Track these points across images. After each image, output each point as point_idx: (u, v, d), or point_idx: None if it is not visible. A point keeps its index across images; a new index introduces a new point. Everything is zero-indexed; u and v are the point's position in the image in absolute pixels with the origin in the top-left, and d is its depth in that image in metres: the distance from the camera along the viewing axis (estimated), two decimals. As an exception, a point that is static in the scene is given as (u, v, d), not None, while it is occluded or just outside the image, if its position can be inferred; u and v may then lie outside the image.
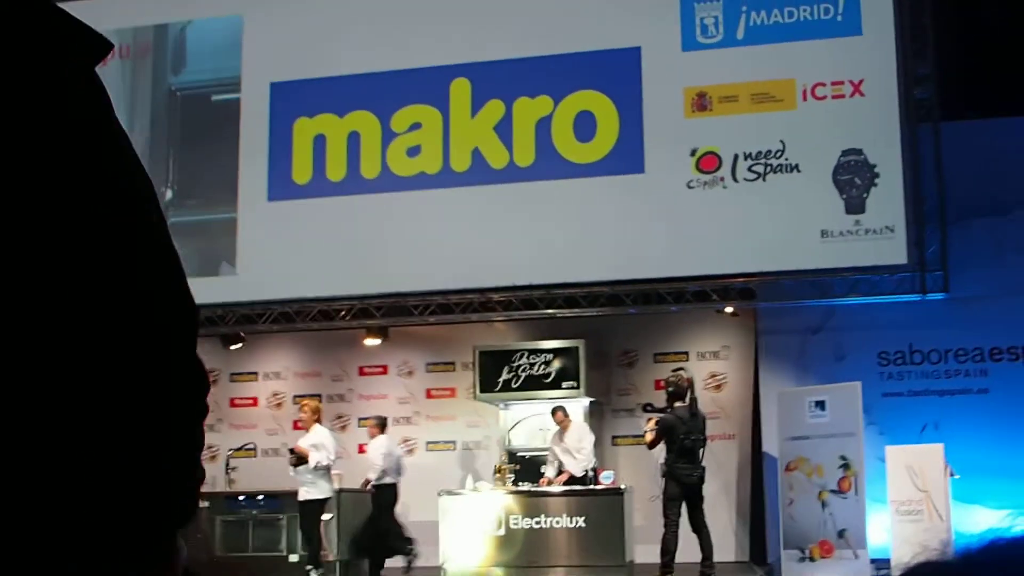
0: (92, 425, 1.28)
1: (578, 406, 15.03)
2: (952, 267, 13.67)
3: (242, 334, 16.03)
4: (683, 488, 12.51)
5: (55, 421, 1.25)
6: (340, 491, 14.16)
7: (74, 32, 1.39)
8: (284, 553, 13.93)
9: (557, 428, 14.52)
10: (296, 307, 15.14)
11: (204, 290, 13.87)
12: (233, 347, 16.39)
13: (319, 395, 16.28)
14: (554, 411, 14.54)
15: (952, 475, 12.68)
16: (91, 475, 1.28)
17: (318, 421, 13.93)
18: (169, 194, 15.37)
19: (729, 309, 15.05)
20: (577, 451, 14.23)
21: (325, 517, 13.79)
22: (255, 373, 17.25)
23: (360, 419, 16.58)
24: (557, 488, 14.04)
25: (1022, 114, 14.39)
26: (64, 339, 1.25)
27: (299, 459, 13.49)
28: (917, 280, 13.73)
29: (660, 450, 12.90)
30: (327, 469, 13.60)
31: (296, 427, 14.03)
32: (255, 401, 17.12)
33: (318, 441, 13.57)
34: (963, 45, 14.17)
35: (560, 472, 14.29)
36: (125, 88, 15.61)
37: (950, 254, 13.70)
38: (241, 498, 14.57)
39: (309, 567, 13.47)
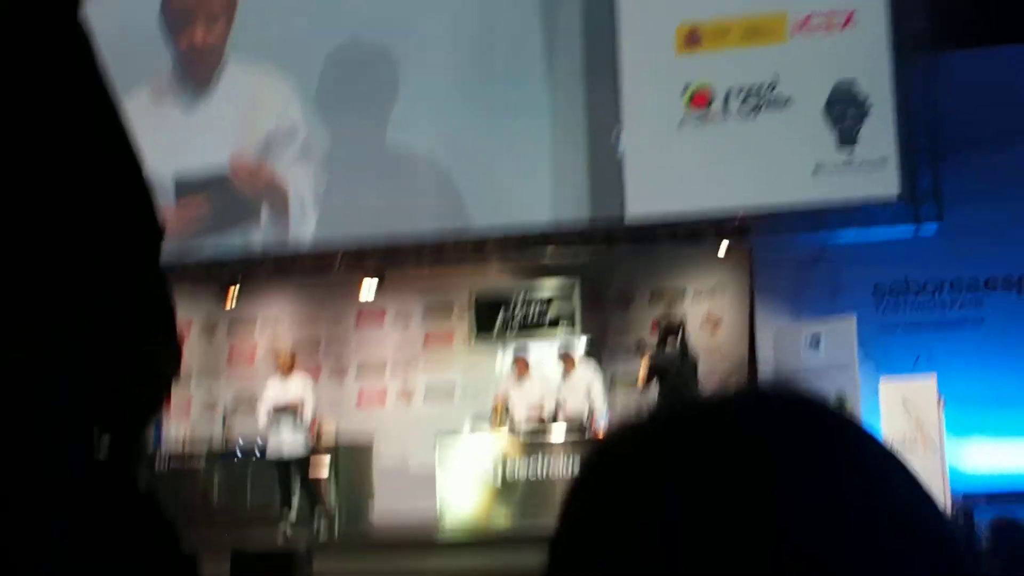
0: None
1: (575, 347, 15.01)
2: (947, 199, 13.63)
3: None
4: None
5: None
6: (337, 444, 14.20)
7: None
8: (280, 507, 13.96)
9: (562, 371, 14.48)
10: (291, 254, 15.22)
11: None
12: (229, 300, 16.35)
13: (317, 341, 16.35)
14: (562, 354, 14.45)
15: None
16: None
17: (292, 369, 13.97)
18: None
19: (723, 246, 15.00)
20: (584, 394, 14.17)
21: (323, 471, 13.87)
22: (253, 319, 17.24)
23: (359, 365, 16.65)
24: (555, 432, 14.01)
25: (1019, 42, 14.24)
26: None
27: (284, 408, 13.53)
28: (910, 212, 13.67)
29: (655, 390, 12.92)
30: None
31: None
32: (253, 351, 17.12)
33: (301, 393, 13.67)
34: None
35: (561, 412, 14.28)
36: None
37: (945, 186, 13.65)
38: (238, 449, 14.62)
39: (316, 519, 13.52)
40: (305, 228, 15.16)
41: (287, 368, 13.77)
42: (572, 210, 14.48)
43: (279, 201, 15.23)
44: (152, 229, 1.50)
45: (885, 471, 0.74)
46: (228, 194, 15.28)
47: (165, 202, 14.29)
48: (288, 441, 13.51)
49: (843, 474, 0.72)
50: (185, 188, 15.08)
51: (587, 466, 0.79)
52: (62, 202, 1.33)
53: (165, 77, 15.67)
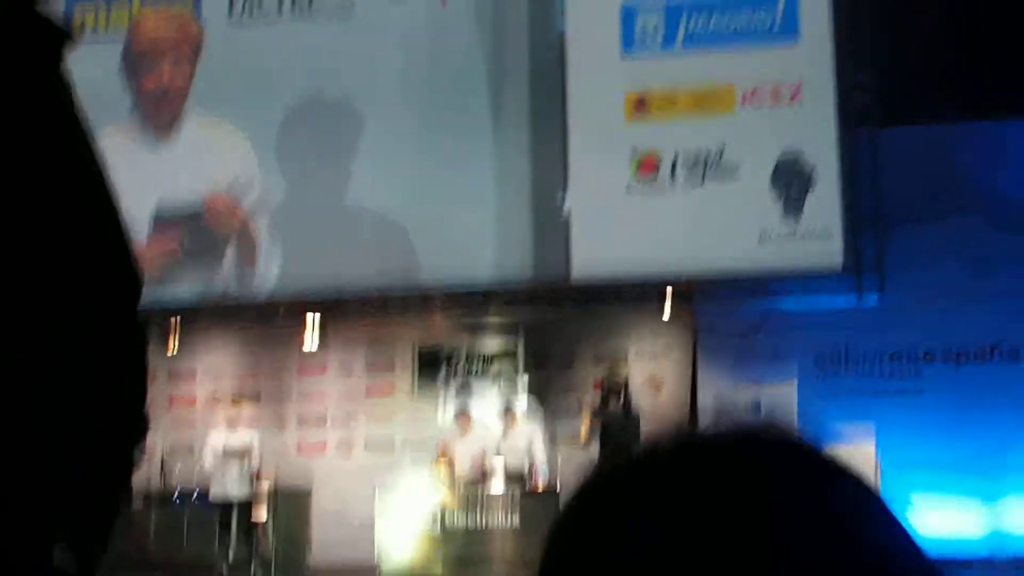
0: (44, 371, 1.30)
1: (518, 405, 15.02)
2: (889, 271, 13.80)
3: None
4: (617, 486, 12.48)
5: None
6: (276, 491, 14.11)
7: (36, 26, 1.41)
8: (218, 552, 13.81)
9: (502, 427, 14.49)
10: (234, 305, 15.14)
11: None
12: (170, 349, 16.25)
13: (257, 394, 16.22)
14: (504, 410, 14.47)
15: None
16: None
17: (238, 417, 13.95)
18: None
19: (667, 311, 15.09)
20: (525, 450, 14.19)
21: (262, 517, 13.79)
22: (193, 371, 17.11)
23: (299, 416, 16.60)
24: (495, 486, 14.02)
25: (961, 120, 14.53)
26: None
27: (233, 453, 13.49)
28: (852, 283, 13.84)
29: (596, 449, 12.92)
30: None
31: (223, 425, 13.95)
32: (193, 400, 16.96)
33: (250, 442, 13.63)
34: (903, 51, 14.30)
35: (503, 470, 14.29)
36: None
37: (887, 258, 13.82)
38: (176, 496, 14.49)
39: (253, 566, 13.42)
40: (268, 276, 15.10)
41: (234, 417, 13.77)
42: (516, 268, 14.55)
43: (247, 246, 15.17)
44: (131, 279, 1.50)
45: (871, 500, 0.75)
46: (196, 234, 15.19)
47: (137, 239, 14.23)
48: (234, 486, 13.45)
49: (836, 497, 0.73)
50: (159, 224, 15.03)
51: (572, 498, 0.81)
52: (50, 221, 1.33)
53: (126, 122, 15.57)
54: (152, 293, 14.35)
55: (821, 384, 14.65)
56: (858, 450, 12.95)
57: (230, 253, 15.17)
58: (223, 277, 15.18)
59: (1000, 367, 14.40)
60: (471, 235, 14.64)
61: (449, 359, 15.48)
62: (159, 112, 15.67)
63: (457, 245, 14.64)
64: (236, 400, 14.21)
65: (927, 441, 13.56)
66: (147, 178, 14.59)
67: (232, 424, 13.76)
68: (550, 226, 14.53)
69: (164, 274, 14.86)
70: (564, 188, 14.53)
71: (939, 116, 14.47)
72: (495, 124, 14.90)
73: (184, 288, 15.13)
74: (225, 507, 13.54)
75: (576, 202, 14.43)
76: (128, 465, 1.54)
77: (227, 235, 15.20)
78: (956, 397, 14.17)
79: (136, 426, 1.50)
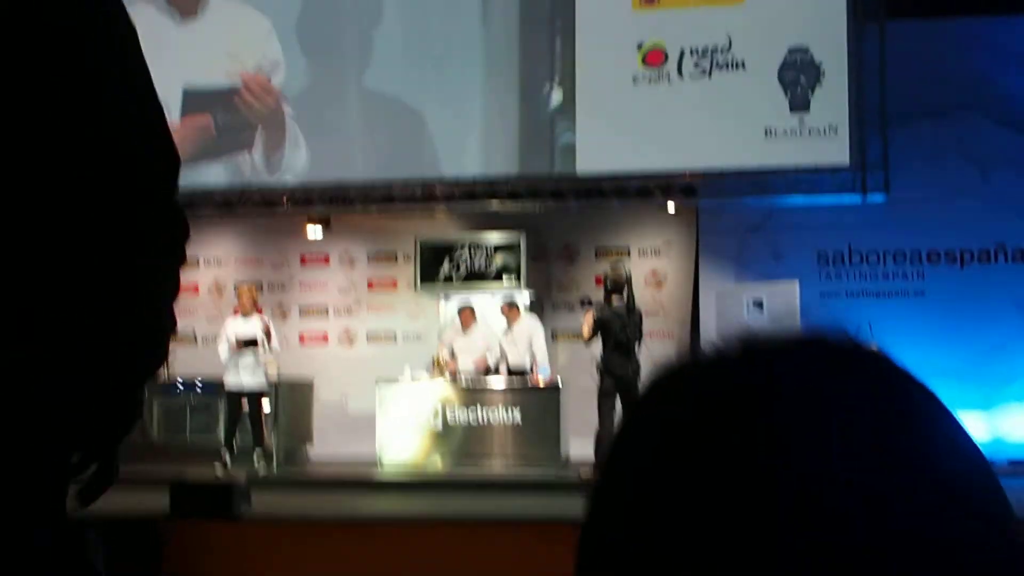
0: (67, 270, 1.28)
1: (518, 300, 15.04)
2: (893, 169, 13.72)
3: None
4: (617, 383, 12.57)
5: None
6: (279, 381, 14.17)
7: None
8: (221, 438, 13.92)
9: (505, 321, 14.53)
10: (238, 194, 15.06)
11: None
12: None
13: (260, 282, 16.21)
14: (506, 304, 14.50)
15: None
16: (63, 319, 1.28)
17: (257, 309, 13.94)
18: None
19: (671, 206, 15.06)
20: (526, 345, 14.25)
21: (267, 406, 13.87)
22: (196, 258, 17.11)
23: (301, 307, 16.65)
24: (495, 382, 14.10)
25: (967, 14, 14.35)
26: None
27: (248, 343, 13.52)
28: (858, 181, 13.77)
29: (598, 345, 12.95)
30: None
31: (236, 313, 13.93)
32: (196, 288, 16.99)
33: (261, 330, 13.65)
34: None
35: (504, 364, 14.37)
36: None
37: (891, 156, 13.74)
38: (179, 383, 14.58)
39: (257, 453, 13.50)
40: (293, 163, 14.99)
41: (248, 308, 13.76)
42: (502, 163, 14.55)
43: (277, 130, 15.04)
44: (170, 159, 1.49)
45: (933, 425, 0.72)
46: (229, 113, 15.06)
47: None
48: (247, 376, 13.51)
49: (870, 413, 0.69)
50: (191, 100, 14.93)
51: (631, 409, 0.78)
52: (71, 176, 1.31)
53: None
54: (185, 176, 14.15)
55: (823, 284, 14.66)
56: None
57: (259, 137, 15.03)
58: (249, 161, 15.06)
59: (1004, 267, 14.39)
60: (458, 129, 14.61)
61: (451, 252, 15.45)
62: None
63: (446, 140, 14.60)
64: (254, 293, 14.15)
65: (928, 343, 13.55)
66: (173, 56, 14.39)
67: (249, 317, 13.75)
68: (536, 120, 14.51)
69: (197, 153, 14.76)
70: (551, 81, 14.43)
71: (947, 9, 14.28)
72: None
73: (216, 170, 15.02)
74: (234, 396, 13.59)
75: (582, 94, 14.31)
76: (140, 387, 1.54)
77: (260, 116, 15.05)
78: (959, 298, 14.18)
79: (166, 324, 1.51)
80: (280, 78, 15.05)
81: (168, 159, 1.50)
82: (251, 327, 13.63)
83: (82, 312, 1.32)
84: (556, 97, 14.52)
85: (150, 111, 1.47)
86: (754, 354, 0.74)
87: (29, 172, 1.28)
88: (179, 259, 1.49)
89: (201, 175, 14.78)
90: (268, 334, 13.53)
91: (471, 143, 14.65)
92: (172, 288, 1.48)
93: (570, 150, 14.38)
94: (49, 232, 1.31)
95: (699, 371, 0.75)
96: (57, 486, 1.37)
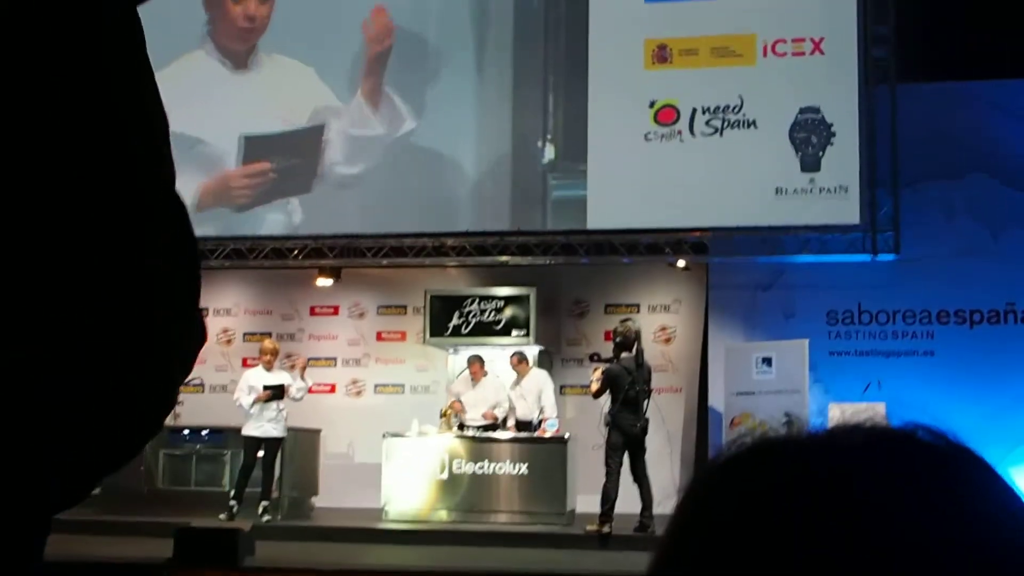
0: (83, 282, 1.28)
1: (527, 354, 15.04)
2: (903, 229, 13.74)
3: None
4: (625, 438, 12.55)
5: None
6: (289, 429, 14.18)
7: None
8: (226, 488, 13.89)
9: (515, 374, 14.54)
10: (249, 244, 15.09)
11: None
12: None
13: (269, 333, 16.24)
14: (516, 357, 14.52)
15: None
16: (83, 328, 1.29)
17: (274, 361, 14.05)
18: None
19: (681, 263, 15.08)
20: (535, 398, 14.25)
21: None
22: (205, 308, 17.15)
23: (309, 358, 16.67)
24: (502, 434, 14.09)
25: (977, 78, 14.43)
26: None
27: (276, 394, 13.54)
28: (868, 240, 13.79)
29: (605, 400, 12.94)
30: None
31: (245, 364, 13.96)
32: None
33: (290, 381, 13.73)
34: (923, 6, 14.14)
35: (512, 417, 14.35)
36: None
37: (901, 216, 13.77)
38: (186, 432, 14.56)
39: (263, 503, 13.46)
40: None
41: (270, 361, 13.84)
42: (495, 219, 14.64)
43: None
44: (170, 160, 1.50)
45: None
46: (287, 156, 15.13)
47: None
48: (270, 426, 13.54)
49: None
50: (251, 145, 15.03)
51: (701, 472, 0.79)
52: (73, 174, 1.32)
53: (200, 49, 15.45)
54: (242, 220, 14.45)
55: (832, 342, 14.64)
56: (869, 409, 12.96)
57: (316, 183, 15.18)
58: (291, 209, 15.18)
59: (1014, 328, 14.37)
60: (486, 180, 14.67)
61: (461, 305, 15.45)
62: (241, 42, 15.53)
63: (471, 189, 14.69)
64: (277, 347, 14.26)
65: (937, 402, 13.50)
66: (229, 105, 14.69)
67: (272, 371, 13.83)
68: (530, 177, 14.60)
69: (255, 197, 14.89)
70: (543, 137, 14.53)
71: (957, 73, 14.37)
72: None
73: (272, 217, 15.15)
74: (253, 445, 13.58)
75: (593, 151, 14.36)
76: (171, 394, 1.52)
77: (314, 160, 15.16)
78: (968, 358, 14.14)
79: (187, 326, 1.49)
80: (331, 129, 15.17)
81: (168, 160, 1.50)
82: (277, 379, 13.71)
83: (82, 312, 1.32)
84: (549, 152, 14.60)
85: (153, 111, 1.48)
86: (838, 440, 0.76)
87: (29, 172, 1.29)
88: (188, 260, 1.49)
89: (260, 220, 14.95)
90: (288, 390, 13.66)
91: (462, 197, 14.72)
92: (187, 289, 1.47)
93: (562, 204, 14.44)
94: (49, 232, 1.31)
95: (781, 450, 0.76)
96: (56, 490, 1.36)
